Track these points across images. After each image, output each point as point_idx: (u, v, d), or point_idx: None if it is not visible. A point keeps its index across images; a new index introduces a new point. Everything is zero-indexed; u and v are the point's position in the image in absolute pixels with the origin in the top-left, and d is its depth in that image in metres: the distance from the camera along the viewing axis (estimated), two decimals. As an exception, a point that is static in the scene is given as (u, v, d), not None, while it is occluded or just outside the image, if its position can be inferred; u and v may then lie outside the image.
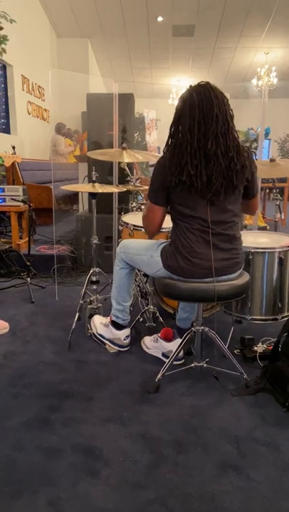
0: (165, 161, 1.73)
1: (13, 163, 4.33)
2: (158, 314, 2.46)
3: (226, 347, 2.00)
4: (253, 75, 9.95)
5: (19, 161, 4.00)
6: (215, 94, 1.66)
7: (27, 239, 3.45)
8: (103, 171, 3.57)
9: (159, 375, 1.88)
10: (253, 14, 7.81)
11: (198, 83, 1.71)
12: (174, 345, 2.07)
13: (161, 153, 1.81)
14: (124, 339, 2.22)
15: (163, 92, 12.04)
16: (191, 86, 1.71)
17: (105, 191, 2.38)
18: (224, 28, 8.52)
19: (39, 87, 7.86)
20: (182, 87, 11.15)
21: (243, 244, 1.91)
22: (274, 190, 2.82)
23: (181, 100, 1.71)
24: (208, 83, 1.70)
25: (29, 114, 7.42)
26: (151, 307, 2.46)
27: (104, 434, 1.58)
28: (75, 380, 1.95)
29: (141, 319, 2.47)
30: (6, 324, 2.50)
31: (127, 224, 2.54)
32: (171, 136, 1.76)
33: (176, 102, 1.76)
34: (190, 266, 1.77)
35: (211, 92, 1.66)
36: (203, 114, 1.64)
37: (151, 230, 1.95)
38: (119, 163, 3.23)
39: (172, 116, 1.75)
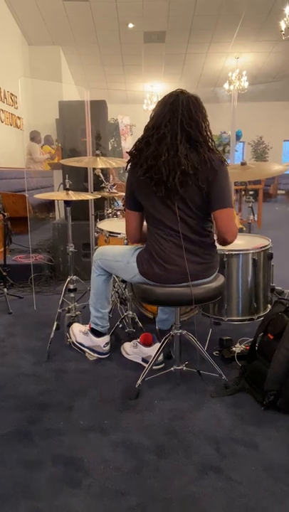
0: (134, 160, 1.77)
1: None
2: (137, 320, 2.47)
3: (205, 349, 2.02)
4: (225, 79, 10.11)
5: None
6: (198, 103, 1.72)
7: (2, 249, 3.40)
8: (78, 178, 3.56)
9: (138, 381, 1.88)
10: (222, 20, 7.96)
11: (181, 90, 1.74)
12: (153, 350, 2.07)
13: None
14: (104, 346, 2.21)
15: (137, 98, 12.12)
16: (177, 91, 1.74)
17: (79, 199, 2.38)
18: (194, 34, 8.65)
19: (12, 94, 7.78)
20: (155, 92, 11.26)
21: (218, 247, 1.92)
22: (247, 192, 2.86)
23: (162, 101, 1.73)
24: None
25: (2, 122, 7.34)
26: (130, 313, 2.46)
27: (85, 443, 1.57)
28: (54, 390, 1.94)
29: (120, 325, 2.47)
30: None
31: (102, 230, 2.54)
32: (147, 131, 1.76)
33: (150, 107, 1.78)
34: (165, 272, 1.79)
35: (195, 98, 1.72)
36: (187, 111, 1.67)
37: (129, 236, 2.00)
38: (94, 169, 3.24)
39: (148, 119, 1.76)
